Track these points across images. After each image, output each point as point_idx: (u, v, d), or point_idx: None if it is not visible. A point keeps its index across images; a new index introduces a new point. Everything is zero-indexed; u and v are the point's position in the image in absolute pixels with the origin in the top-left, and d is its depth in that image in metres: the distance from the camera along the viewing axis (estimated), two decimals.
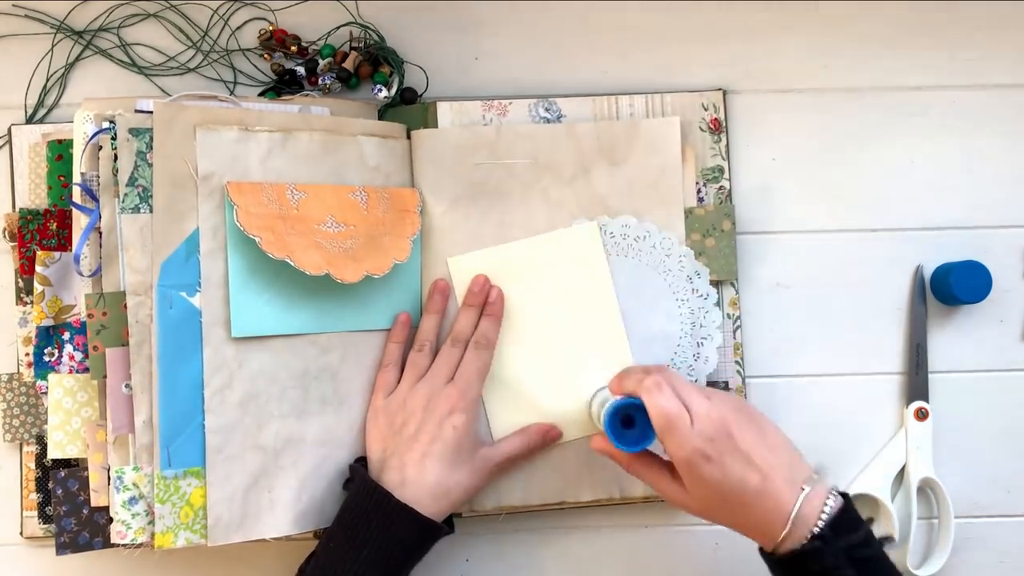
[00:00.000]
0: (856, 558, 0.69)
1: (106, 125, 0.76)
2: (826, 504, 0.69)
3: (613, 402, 0.74)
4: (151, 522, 0.75)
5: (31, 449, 0.84)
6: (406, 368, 0.83)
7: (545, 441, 0.84)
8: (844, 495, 0.71)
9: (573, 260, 0.85)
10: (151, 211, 0.76)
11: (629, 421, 0.74)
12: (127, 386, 0.76)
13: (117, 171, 0.75)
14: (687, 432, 0.69)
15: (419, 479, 0.77)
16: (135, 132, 0.75)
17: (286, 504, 0.78)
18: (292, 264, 0.75)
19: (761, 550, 0.73)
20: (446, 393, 0.80)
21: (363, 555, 0.74)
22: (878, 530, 0.84)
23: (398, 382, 0.83)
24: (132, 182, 0.75)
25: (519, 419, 0.85)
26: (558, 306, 0.85)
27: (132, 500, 0.75)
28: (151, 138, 0.75)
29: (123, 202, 0.75)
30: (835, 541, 0.68)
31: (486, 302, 0.84)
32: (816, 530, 0.69)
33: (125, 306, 0.75)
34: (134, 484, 0.75)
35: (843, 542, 0.69)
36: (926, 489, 0.89)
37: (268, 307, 0.78)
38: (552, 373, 0.85)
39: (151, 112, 0.76)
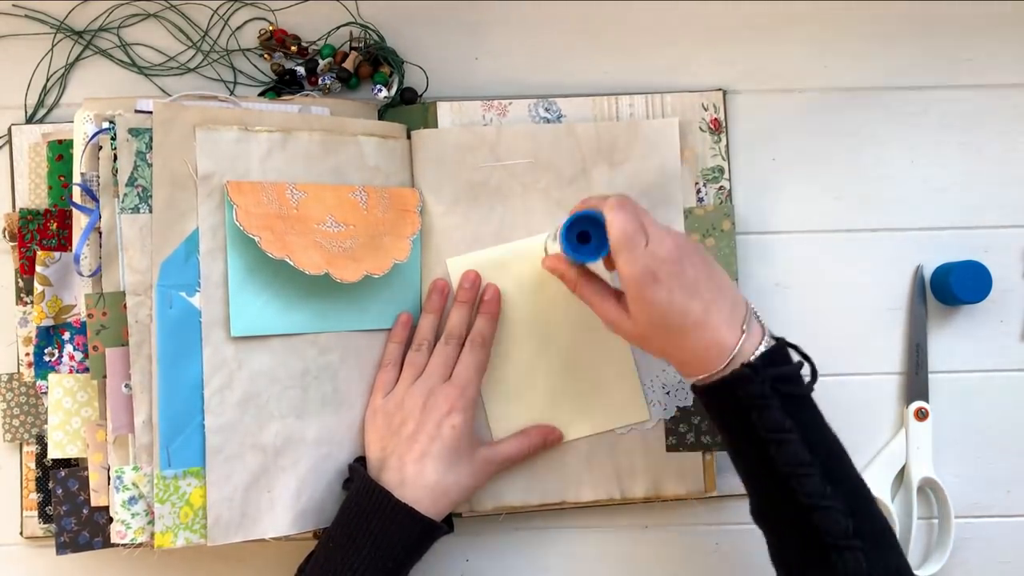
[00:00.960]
0: (783, 392, 0.70)
1: (106, 125, 0.76)
2: (761, 343, 0.71)
3: (574, 215, 0.74)
4: (151, 522, 0.75)
5: (31, 449, 0.84)
6: (404, 367, 0.83)
7: (545, 444, 0.84)
8: (778, 339, 0.72)
9: None
10: (151, 211, 0.76)
11: (584, 237, 0.74)
12: (127, 386, 0.76)
13: (117, 171, 0.75)
14: (641, 250, 0.70)
15: (418, 479, 0.77)
16: (135, 132, 0.75)
17: (286, 504, 0.78)
18: (291, 264, 0.75)
19: (693, 385, 0.74)
20: (444, 392, 0.80)
21: (363, 554, 0.74)
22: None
23: (394, 382, 0.83)
24: (132, 182, 0.75)
25: (520, 420, 0.85)
26: (559, 306, 0.85)
27: (132, 500, 0.75)
28: (151, 138, 0.76)
29: (123, 202, 0.75)
30: (763, 371, 0.69)
31: (481, 300, 0.84)
32: (747, 359, 0.70)
33: (125, 306, 0.75)
34: (134, 484, 0.75)
35: (771, 372, 0.70)
36: (926, 489, 0.89)
37: (267, 307, 0.78)
38: (553, 373, 0.85)
39: (151, 112, 0.76)
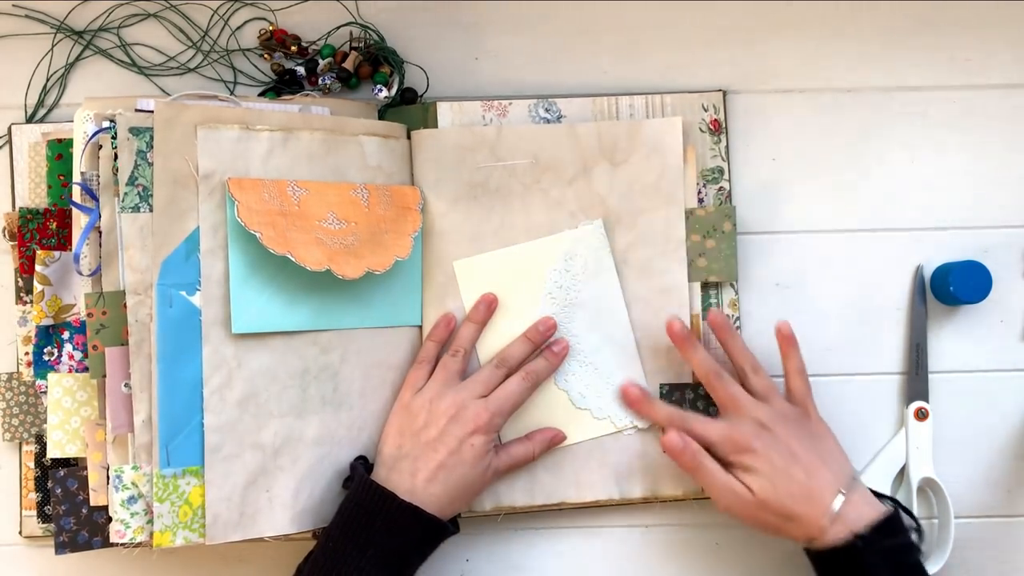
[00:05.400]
0: (895, 563, 0.74)
1: (106, 124, 0.76)
2: (869, 503, 0.76)
3: None
4: (150, 521, 0.75)
5: (30, 448, 0.84)
6: (437, 368, 0.83)
7: (550, 446, 0.85)
8: (895, 502, 0.77)
9: (579, 261, 0.85)
10: (151, 210, 0.76)
11: None
12: (126, 385, 0.76)
13: (117, 170, 0.75)
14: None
15: (427, 489, 0.77)
16: (135, 131, 0.75)
17: (284, 503, 0.78)
18: (293, 260, 0.75)
19: (805, 549, 0.78)
20: (475, 410, 0.79)
21: (368, 554, 0.74)
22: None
23: (426, 379, 0.82)
24: (132, 181, 0.75)
25: (526, 421, 0.85)
26: (564, 307, 0.85)
27: (131, 499, 0.75)
28: (151, 137, 0.75)
29: (123, 201, 0.75)
30: (875, 543, 0.73)
31: (551, 345, 0.84)
32: (856, 527, 0.74)
33: (125, 305, 0.75)
34: (133, 483, 0.75)
35: (883, 544, 0.74)
36: (926, 489, 0.89)
37: (269, 304, 0.78)
38: (559, 374, 0.85)
39: (151, 111, 0.76)
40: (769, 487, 0.76)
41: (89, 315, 0.76)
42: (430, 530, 0.77)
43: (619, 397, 0.85)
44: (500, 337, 0.85)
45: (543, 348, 0.84)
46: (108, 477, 0.76)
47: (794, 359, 0.82)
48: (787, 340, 0.82)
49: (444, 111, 0.87)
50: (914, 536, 0.77)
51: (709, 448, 0.79)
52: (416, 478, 0.77)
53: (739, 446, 0.78)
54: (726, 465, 0.79)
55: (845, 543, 0.74)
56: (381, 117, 0.88)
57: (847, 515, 0.75)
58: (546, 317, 0.85)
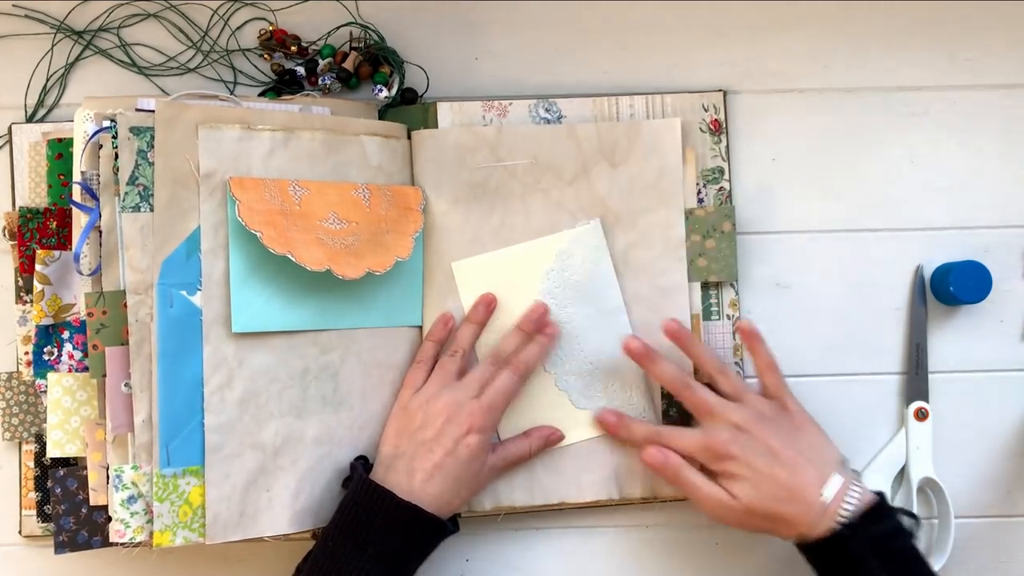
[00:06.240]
0: (883, 548, 0.73)
1: (107, 124, 0.76)
2: (852, 493, 0.75)
3: None
4: (150, 521, 0.75)
5: (30, 448, 0.84)
6: (435, 369, 0.83)
7: (547, 444, 0.85)
8: (879, 494, 0.76)
9: (577, 260, 0.85)
10: (151, 210, 0.76)
11: None
12: (126, 385, 0.76)
13: (118, 170, 0.75)
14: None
15: (424, 489, 0.77)
16: (136, 131, 0.75)
17: (284, 503, 0.78)
18: (293, 259, 0.75)
19: (797, 544, 0.77)
20: (469, 409, 0.79)
21: (368, 552, 0.74)
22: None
23: (425, 379, 0.83)
24: (133, 181, 0.75)
25: (524, 420, 0.85)
26: (563, 307, 0.85)
27: (131, 499, 0.75)
28: (152, 137, 0.75)
29: (123, 201, 0.75)
30: (863, 530, 0.73)
31: (542, 327, 0.84)
32: (841, 518, 0.74)
33: (125, 305, 0.75)
34: (133, 483, 0.75)
35: (871, 531, 0.73)
36: (926, 489, 0.89)
37: (269, 303, 0.78)
38: (559, 375, 0.85)
39: (152, 111, 0.76)
40: (753, 492, 0.76)
41: (89, 315, 0.76)
42: (429, 529, 0.77)
43: (596, 425, 0.85)
44: (499, 337, 0.85)
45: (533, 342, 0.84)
46: (108, 477, 0.76)
47: (762, 354, 0.81)
48: (751, 336, 0.81)
49: (444, 111, 0.87)
50: (906, 521, 0.76)
51: (691, 459, 0.79)
52: (413, 478, 0.77)
53: (718, 454, 0.78)
54: (710, 474, 0.79)
55: (832, 533, 0.74)
56: (381, 117, 0.88)
57: (833, 506, 0.75)
58: (537, 303, 0.84)
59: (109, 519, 0.76)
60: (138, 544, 0.76)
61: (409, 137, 0.86)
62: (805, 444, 0.78)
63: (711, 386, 0.81)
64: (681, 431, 0.80)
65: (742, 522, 0.78)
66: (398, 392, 0.84)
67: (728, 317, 0.87)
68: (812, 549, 0.76)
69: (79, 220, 0.77)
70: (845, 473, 0.77)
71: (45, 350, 0.82)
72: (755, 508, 0.76)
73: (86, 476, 0.79)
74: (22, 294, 0.84)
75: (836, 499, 0.75)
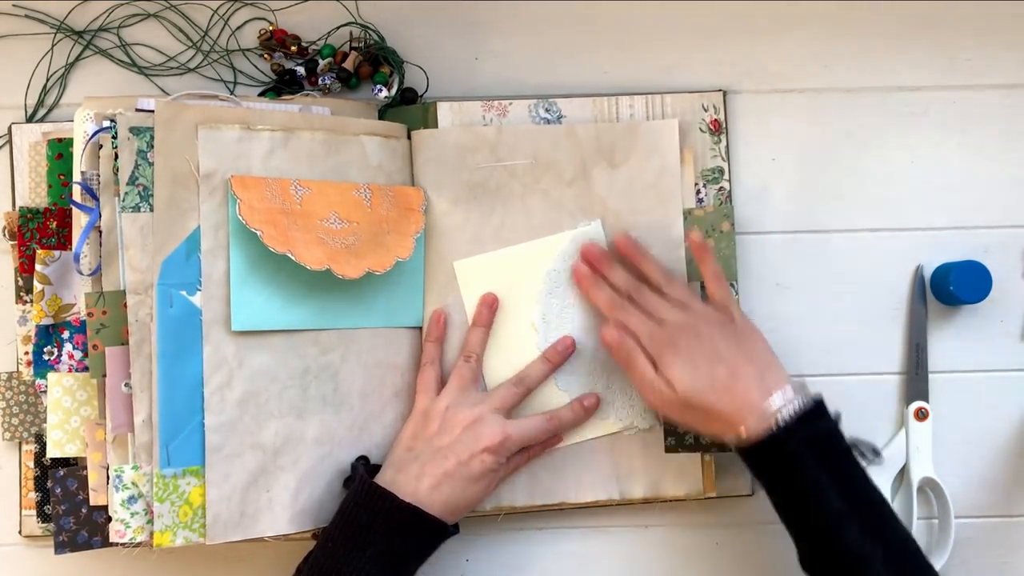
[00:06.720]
0: (819, 448, 0.73)
1: (107, 124, 0.76)
2: (794, 401, 0.74)
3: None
4: (150, 521, 0.75)
5: (30, 448, 0.84)
6: (452, 375, 0.83)
7: (546, 446, 0.85)
8: (817, 397, 0.75)
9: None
10: (151, 210, 0.76)
11: None
12: (126, 385, 0.76)
13: (117, 170, 0.75)
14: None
15: (430, 495, 0.77)
16: (136, 131, 0.75)
17: (284, 503, 0.78)
18: (293, 258, 0.75)
19: (735, 448, 0.77)
20: (491, 429, 0.79)
21: (368, 553, 0.74)
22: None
23: (437, 381, 0.83)
24: (133, 181, 0.75)
25: None
26: (564, 307, 0.85)
27: (131, 499, 0.75)
28: (152, 137, 0.75)
29: (123, 201, 0.75)
30: (798, 430, 0.73)
31: (580, 401, 0.84)
32: (779, 420, 0.73)
33: (125, 305, 0.75)
34: (133, 483, 0.75)
35: (805, 432, 0.73)
36: (926, 489, 0.89)
37: (269, 302, 0.78)
38: (560, 375, 0.85)
39: (151, 111, 0.76)
40: (689, 383, 0.76)
41: (89, 315, 0.76)
42: (430, 531, 0.77)
43: (572, 276, 0.85)
44: (498, 336, 0.85)
45: (574, 401, 0.84)
46: (108, 477, 0.76)
47: (709, 263, 0.81)
48: (700, 247, 0.81)
49: (444, 111, 0.87)
50: (841, 426, 0.76)
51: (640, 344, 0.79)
52: (421, 482, 0.77)
53: (662, 342, 0.78)
54: (655, 365, 0.78)
55: (768, 435, 0.73)
56: (381, 117, 0.88)
57: (771, 409, 0.74)
58: (564, 336, 0.85)
59: (109, 519, 0.76)
60: (138, 544, 0.76)
61: (409, 137, 0.86)
62: (751, 349, 0.78)
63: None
64: (640, 315, 0.80)
65: (678, 414, 0.78)
66: (399, 392, 0.84)
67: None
68: (750, 452, 0.75)
69: (79, 220, 0.77)
70: (792, 381, 0.76)
71: (45, 350, 0.82)
72: (691, 400, 0.76)
73: (86, 476, 0.79)
74: (22, 294, 0.84)
75: (774, 402, 0.74)
